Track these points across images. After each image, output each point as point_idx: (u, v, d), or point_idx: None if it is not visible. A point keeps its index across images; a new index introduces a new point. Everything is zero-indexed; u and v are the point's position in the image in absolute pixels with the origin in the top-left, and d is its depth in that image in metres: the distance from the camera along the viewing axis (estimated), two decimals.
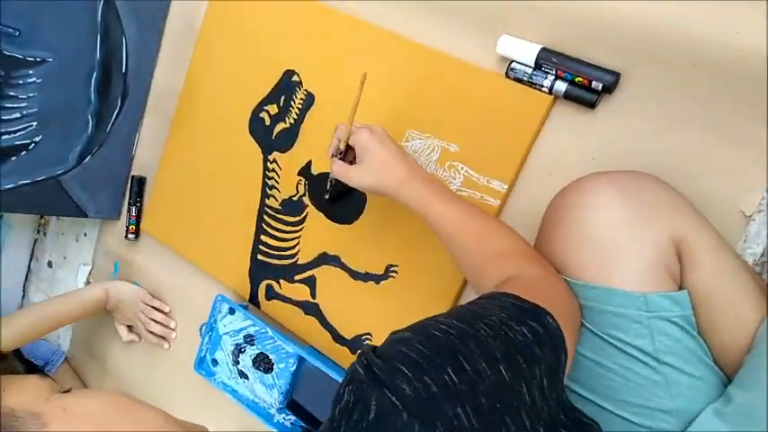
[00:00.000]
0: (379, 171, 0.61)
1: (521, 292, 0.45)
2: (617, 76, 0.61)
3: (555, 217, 0.55)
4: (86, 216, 1.01)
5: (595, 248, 0.52)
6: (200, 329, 0.89)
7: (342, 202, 0.79)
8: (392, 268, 0.75)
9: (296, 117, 0.82)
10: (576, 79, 0.62)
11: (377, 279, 0.77)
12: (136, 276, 1.03)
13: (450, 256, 0.58)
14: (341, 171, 0.65)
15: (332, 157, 0.67)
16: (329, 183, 0.75)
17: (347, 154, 0.67)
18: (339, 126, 0.66)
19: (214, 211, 0.91)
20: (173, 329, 0.97)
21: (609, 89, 0.61)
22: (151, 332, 0.97)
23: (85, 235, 1.10)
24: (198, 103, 0.91)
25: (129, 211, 1.00)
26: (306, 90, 0.80)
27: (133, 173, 1.01)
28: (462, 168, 0.70)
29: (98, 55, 0.91)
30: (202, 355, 0.89)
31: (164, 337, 0.98)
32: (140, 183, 1.00)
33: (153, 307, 0.98)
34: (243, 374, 0.86)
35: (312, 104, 0.80)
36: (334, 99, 0.78)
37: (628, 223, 0.51)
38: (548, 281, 0.50)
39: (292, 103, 0.82)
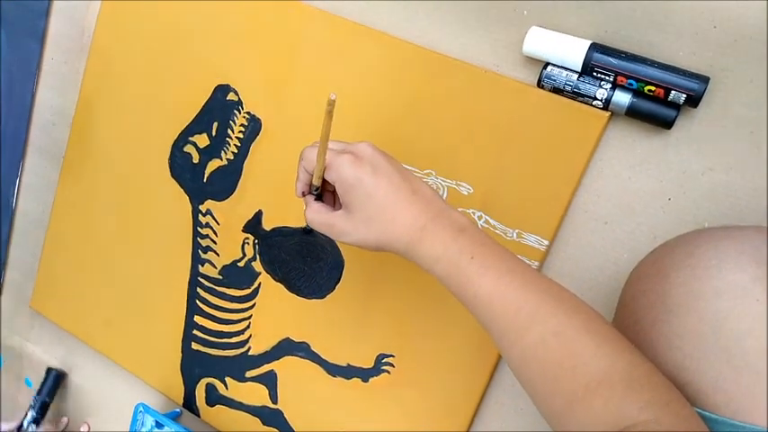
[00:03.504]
0: (378, 219, 0.38)
1: None
2: (706, 81, 0.42)
3: (655, 306, 0.36)
4: None
5: (739, 362, 0.32)
6: None
7: (308, 265, 0.56)
8: (386, 359, 0.54)
9: (236, 151, 0.59)
10: (646, 89, 0.43)
11: (364, 375, 0.55)
12: (27, 371, 0.77)
13: (510, 366, 0.37)
14: (321, 221, 0.41)
15: (302, 195, 0.44)
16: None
17: (326, 188, 0.44)
18: (305, 152, 0.42)
19: (128, 283, 0.66)
20: None
21: (694, 101, 0.42)
22: None
23: None
24: (97, 135, 0.67)
25: None
26: (248, 112, 0.58)
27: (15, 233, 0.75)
28: (481, 218, 0.49)
29: None
30: None
31: None
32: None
33: None
34: None
35: (258, 132, 0.57)
36: (288, 123, 0.56)
37: None
38: None
39: (230, 131, 0.59)
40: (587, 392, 0.32)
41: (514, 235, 0.48)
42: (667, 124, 0.43)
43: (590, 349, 0.33)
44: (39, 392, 0.71)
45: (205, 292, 0.61)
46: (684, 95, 0.42)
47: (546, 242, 0.47)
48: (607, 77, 0.44)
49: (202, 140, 0.60)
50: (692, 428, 0.30)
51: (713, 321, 0.33)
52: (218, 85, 0.59)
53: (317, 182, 0.42)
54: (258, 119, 0.57)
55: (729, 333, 0.32)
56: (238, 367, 0.60)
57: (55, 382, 0.71)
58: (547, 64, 0.46)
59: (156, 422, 0.62)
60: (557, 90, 0.46)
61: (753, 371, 0.32)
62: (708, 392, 0.33)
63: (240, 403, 0.61)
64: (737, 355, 0.32)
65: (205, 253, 0.61)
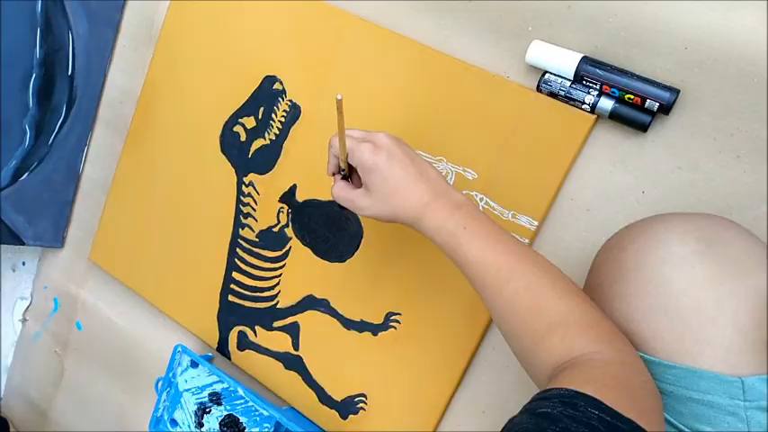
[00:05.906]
0: (391, 197, 0.47)
1: (599, 387, 0.34)
2: (676, 93, 0.50)
3: (614, 271, 0.44)
4: (23, 244, 0.85)
5: (674, 315, 0.40)
6: (157, 385, 0.74)
7: (333, 233, 0.66)
8: (393, 317, 0.63)
9: (278, 132, 0.68)
10: (626, 97, 0.51)
11: (374, 329, 0.64)
12: (80, 316, 0.87)
13: (491, 315, 0.45)
14: (344, 197, 0.50)
15: (332, 174, 0.53)
16: None
17: (353, 170, 0.52)
18: (332, 140, 0.51)
19: (176, 241, 0.76)
20: None
21: (666, 109, 0.50)
22: None
23: (24, 264, 0.94)
24: (159, 113, 0.77)
25: None
26: (290, 100, 0.67)
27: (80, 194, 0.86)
28: (482, 200, 0.58)
29: (38, 53, 0.76)
30: (159, 414, 0.74)
31: None
32: None
33: None
34: None
35: (298, 117, 0.67)
36: (324, 111, 0.66)
37: (715, 282, 0.40)
38: (632, 368, 0.38)
39: (273, 115, 0.68)
40: (548, 331, 0.40)
41: (510, 215, 0.57)
42: (643, 128, 0.51)
43: (553, 299, 0.41)
44: None
45: (243, 252, 0.71)
46: (658, 104, 0.50)
47: (536, 223, 0.56)
48: (594, 86, 0.52)
49: (250, 122, 0.70)
50: (629, 360, 0.39)
51: (657, 283, 0.41)
52: (266, 76, 0.68)
53: (343, 165, 0.51)
54: (299, 106, 0.67)
55: (669, 292, 0.40)
56: (267, 318, 0.70)
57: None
58: (545, 72, 0.55)
59: (192, 361, 0.72)
60: (552, 94, 0.54)
61: (684, 322, 0.40)
62: (649, 339, 0.41)
63: (267, 349, 0.70)
64: (674, 309, 0.40)
65: (245, 218, 0.71)
